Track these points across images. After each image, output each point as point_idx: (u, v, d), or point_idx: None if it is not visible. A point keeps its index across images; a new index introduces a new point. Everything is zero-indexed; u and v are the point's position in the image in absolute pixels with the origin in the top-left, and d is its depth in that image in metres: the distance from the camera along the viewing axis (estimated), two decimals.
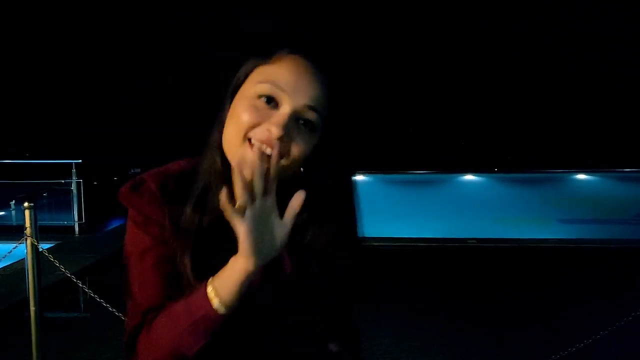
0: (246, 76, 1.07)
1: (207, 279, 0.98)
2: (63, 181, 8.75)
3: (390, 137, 20.66)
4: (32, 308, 3.52)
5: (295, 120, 1.01)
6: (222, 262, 0.98)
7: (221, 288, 0.96)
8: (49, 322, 3.97)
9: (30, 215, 3.52)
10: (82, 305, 5.48)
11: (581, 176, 15.54)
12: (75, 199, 8.61)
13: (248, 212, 0.93)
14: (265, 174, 0.93)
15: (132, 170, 17.01)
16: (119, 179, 15.79)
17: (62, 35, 19.21)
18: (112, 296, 4.02)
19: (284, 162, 1.00)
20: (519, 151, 19.44)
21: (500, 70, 21.11)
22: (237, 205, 0.93)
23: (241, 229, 0.93)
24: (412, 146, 19.68)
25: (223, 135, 1.06)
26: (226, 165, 1.07)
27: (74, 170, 8.64)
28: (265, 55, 1.07)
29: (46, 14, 19.10)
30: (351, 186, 1.21)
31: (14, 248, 3.77)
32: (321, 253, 1.12)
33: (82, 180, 8.73)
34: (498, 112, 20.85)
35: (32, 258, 3.49)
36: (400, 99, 21.46)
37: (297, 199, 0.96)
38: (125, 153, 18.46)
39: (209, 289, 0.97)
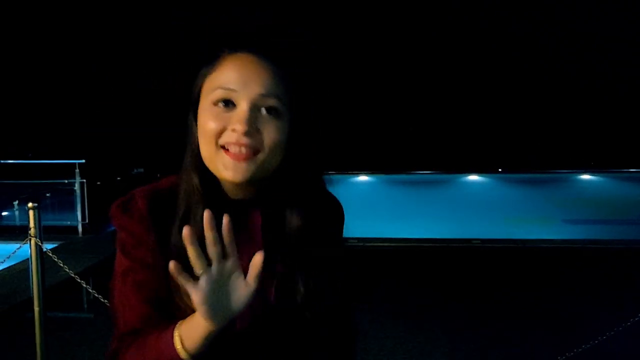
0: (200, 90, 1.09)
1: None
2: (66, 181, 8.75)
3: (392, 138, 20.65)
4: (36, 308, 3.52)
5: (258, 112, 1.03)
6: None
7: (185, 338, 0.97)
8: (52, 322, 3.97)
9: (35, 216, 3.52)
10: (85, 306, 5.48)
11: (585, 176, 15.51)
12: (78, 199, 8.61)
13: (202, 280, 0.92)
14: (223, 237, 0.92)
15: (135, 170, 17.07)
16: (122, 178, 15.84)
17: (63, 34, 19.24)
18: None
19: (261, 156, 1.02)
20: (523, 151, 19.42)
21: (503, 69, 21.07)
22: (196, 272, 0.92)
23: (195, 296, 0.91)
24: (415, 146, 19.67)
25: (201, 152, 1.06)
26: (205, 181, 1.07)
27: (77, 171, 8.64)
28: (209, 63, 1.09)
29: (47, 13, 19.14)
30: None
31: (18, 248, 3.77)
32: (318, 257, 1.12)
33: (85, 180, 8.73)
34: (502, 112, 20.82)
35: (37, 258, 3.49)
36: (402, 99, 21.45)
37: (258, 259, 0.95)
38: (127, 153, 18.50)
39: (175, 335, 0.98)
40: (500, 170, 16.79)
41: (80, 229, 8.54)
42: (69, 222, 8.62)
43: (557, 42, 20.85)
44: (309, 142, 1.12)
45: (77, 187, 8.63)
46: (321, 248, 1.13)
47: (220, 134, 1.02)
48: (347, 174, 16.25)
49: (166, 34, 20.54)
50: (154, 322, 1.03)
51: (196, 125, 1.08)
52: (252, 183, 1.05)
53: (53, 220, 8.63)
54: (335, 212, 1.24)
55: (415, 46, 21.45)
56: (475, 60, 21.05)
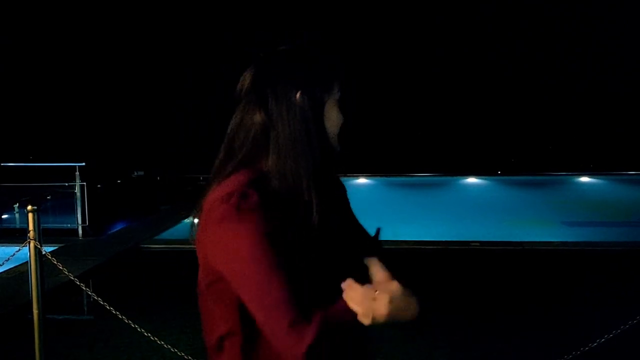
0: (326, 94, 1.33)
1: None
2: (67, 184, 8.75)
3: (394, 140, 20.64)
4: (35, 311, 3.52)
5: None
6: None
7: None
8: (52, 325, 3.97)
9: (34, 219, 3.53)
10: (85, 309, 5.47)
11: (585, 179, 15.53)
12: (78, 202, 8.60)
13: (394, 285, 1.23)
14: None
15: (136, 173, 17.07)
16: (122, 181, 15.84)
17: (63, 37, 19.23)
18: (115, 299, 4.02)
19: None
20: (522, 154, 19.42)
21: (503, 72, 21.08)
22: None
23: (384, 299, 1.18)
24: (415, 149, 19.67)
25: (329, 135, 1.33)
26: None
27: (77, 173, 8.63)
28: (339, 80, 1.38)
29: (47, 16, 19.13)
30: None
31: (17, 251, 3.77)
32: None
33: (85, 183, 8.72)
34: (501, 116, 20.83)
35: (36, 261, 3.49)
36: (403, 102, 21.45)
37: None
38: (127, 155, 18.50)
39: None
40: (499, 172, 16.81)
41: (80, 231, 8.53)
42: (68, 225, 8.61)
43: (555, 45, 20.85)
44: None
45: (77, 189, 8.62)
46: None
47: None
48: (346, 176, 16.24)
49: (166, 36, 20.55)
50: (303, 296, 1.17)
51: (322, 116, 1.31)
52: None
53: (53, 223, 8.63)
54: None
55: (419, 50, 21.45)
56: (477, 62, 21.05)
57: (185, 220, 9.61)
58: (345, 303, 1.17)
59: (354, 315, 1.17)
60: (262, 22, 20.17)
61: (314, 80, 1.29)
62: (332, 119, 1.32)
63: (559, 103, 20.54)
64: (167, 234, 8.30)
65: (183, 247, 7.07)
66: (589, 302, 5.24)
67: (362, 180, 16.24)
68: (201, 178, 16.77)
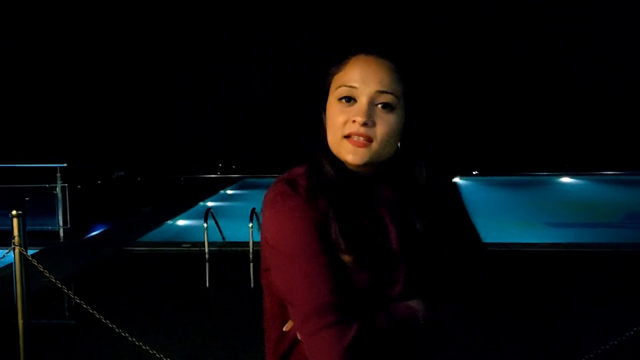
0: (328, 88, 1.30)
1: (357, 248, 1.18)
2: (47, 185, 8.56)
3: None
4: (20, 320, 3.42)
5: (374, 107, 1.22)
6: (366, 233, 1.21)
7: None
8: (35, 329, 3.87)
9: (19, 224, 3.41)
10: (69, 313, 5.35)
11: (567, 179, 15.67)
12: (60, 204, 8.42)
13: None
14: None
15: (116, 174, 16.85)
16: (102, 182, 15.62)
17: (38, 40, 18.94)
18: (100, 303, 3.92)
19: (374, 145, 1.21)
20: (504, 154, 19.55)
21: (482, 72, 21.21)
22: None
23: None
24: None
25: (328, 141, 1.27)
26: (335, 164, 1.27)
27: (58, 175, 8.45)
28: (336, 66, 1.29)
29: (32, 12, 18.82)
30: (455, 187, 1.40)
31: (1, 257, 3.64)
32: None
33: (67, 185, 8.55)
34: (481, 116, 20.95)
35: (21, 267, 3.38)
36: None
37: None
38: (108, 156, 18.26)
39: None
40: (475, 173, 16.85)
41: (61, 233, 8.35)
42: (49, 227, 8.42)
43: (529, 46, 21.04)
44: (420, 133, 1.31)
45: (58, 191, 8.44)
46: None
47: (344, 125, 1.23)
48: None
49: (164, 32, 20.38)
50: (345, 293, 1.15)
51: (325, 116, 1.30)
52: (371, 164, 1.25)
53: (33, 225, 8.44)
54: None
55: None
56: (456, 64, 21.15)
57: (169, 221, 9.50)
58: (404, 308, 1.19)
59: (407, 319, 1.18)
60: (262, 22, 20.08)
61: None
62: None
63: (539, 104, 20.70)
64: (150, 236, 8.18)
65: (167, 250, 6.97)
66: (580, 303, 5.24)
67: None
68: (182, 178, 16.66)
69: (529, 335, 4.49)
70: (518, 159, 18.56)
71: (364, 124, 1.20)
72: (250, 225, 6.17)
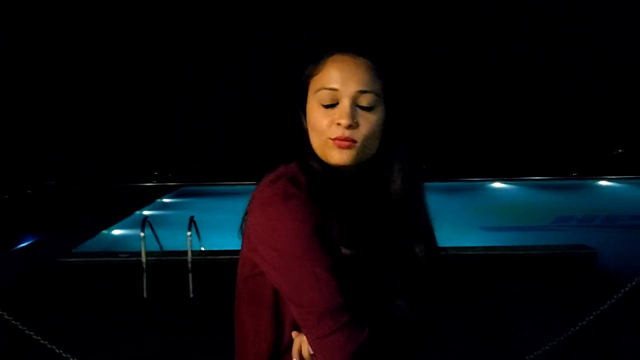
0: (307, 90, 1.29)
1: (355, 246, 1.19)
2: None
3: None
4: None
5: (356, 107, 1.23)
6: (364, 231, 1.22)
7: None
8: None
9: None
10: None
11: (499, 184, 16.14)
12: None
13: None
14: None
15: (48, 183, 16.28)
16: (32, 191, 15.06)
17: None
18: (33, 320, 3.79)
19: (359, 145, 1.22)
20: (435, 160, 19.94)
21: (418, 76, 21.60)
22: None
23: None
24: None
25: (311, 143, 1.28)
26: (322, 164, 1.27)
27: None
28: (313, 67, 1.28)
29: None
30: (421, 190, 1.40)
31: None
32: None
33: None
34: (412, 122, 21.27)
35: None
36: None
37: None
38: (37, 165, 17.63)
39: None
40: None
41: None
42: None
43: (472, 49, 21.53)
44: (401, 129, 1.33)
45: None
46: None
47: (328, 127, 1.23)
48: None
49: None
50: (353, 292, 1.14)
51: (305, 119, 1.30)
52: (356, 164, 1.25)
53: None
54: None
55: None
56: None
57: (104, 231, 9.26)
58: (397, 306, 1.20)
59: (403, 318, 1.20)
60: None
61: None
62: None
63: (470, 109, 21.17)
64: (85, 247, 7.95)
65: (103, 260, 6.79)
66: (517, 304, 5.42)
67: None
68: (117, 187, 16.26)
69: (469, 335, 4.61)
70: (450, 164, 18.97)
71: (349, 127, 1.21)
72: (189, 233, 6.09)
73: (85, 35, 19.38)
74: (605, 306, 3.27)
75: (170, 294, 5.94)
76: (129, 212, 11.07)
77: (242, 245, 1.30)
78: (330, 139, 1.23)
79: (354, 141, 1.22)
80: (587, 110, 21.42)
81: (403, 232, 1.30)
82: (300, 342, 1.19)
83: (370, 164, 1.30)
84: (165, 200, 14.03)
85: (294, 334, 1.22)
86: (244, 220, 1.31)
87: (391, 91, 1.28)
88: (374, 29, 18.61)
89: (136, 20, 19.66)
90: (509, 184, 16.19)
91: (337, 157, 1.22)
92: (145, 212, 11.11)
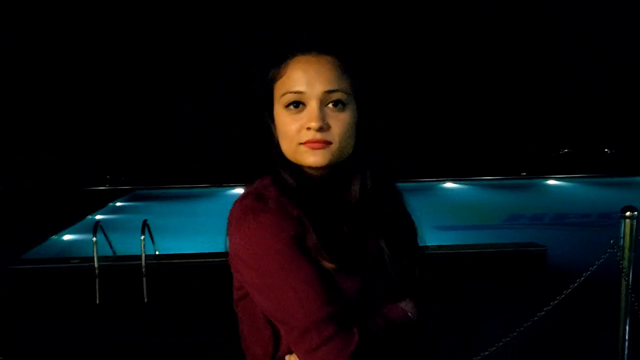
0: (272, 96, 1.23)
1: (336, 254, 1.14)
2: None
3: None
4: None
5: (325, 107, 1.17)
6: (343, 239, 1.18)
7: None
8: None
9: None
10: None
11: (450, 184, 16.40)
12: None
13: None
14: None
15: None
16: None
17: None
18: None
19: (333, 146, 1.17)
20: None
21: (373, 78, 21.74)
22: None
23: None
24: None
25: (283, 150, 1.22)
26: (294, 172, 1.22)
27: None
28: (275, 71, 1.22)
29: None
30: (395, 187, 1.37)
31: None
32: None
33: None
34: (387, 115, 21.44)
35: None
36: None
37: None
38: None
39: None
40: None
41: None
42: None
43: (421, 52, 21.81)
44: (375, 124, 1.28)
45: None
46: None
47: (298, 132, 1.17)
48: (222, 187, 16.04)
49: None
50: (338, 301, 1.11)
51: (274, 125, 1.24)
52: (331, 165, 1.20)
53: None
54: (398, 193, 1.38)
55: None
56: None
57: (54, 236, 9.03)
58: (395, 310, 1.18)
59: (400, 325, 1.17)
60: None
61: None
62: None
63: (423, 111, 21.46)
64: (34, 253, 7.73)
65: (53, 266, 6.61)
66: (473, 302, 5.52)
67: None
68: (70, 190, 15.86)
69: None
70: (402, 165, 19.17)
71: (320, 129, 1.15)
72: (142, 237, 6.00)
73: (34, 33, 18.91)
74: (556, 302, 3.37)
75: (124, 299, 5.83)
76: (80, 216, 10.82)
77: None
78: (300, 144, 1.17)
79: (329, 143, 1.16)
80: (535, 112, 21.97)
81: (378, 233, 1.25)
82: None
83: (344, 165, 1.24)
84: (118, 204, 13.77)
85: (287, 356, 1.18)
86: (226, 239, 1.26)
87: (362, 87, 1.23)
88: (336, 25, 18.61)
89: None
90: (461, 184, 16.47)
91: (312, 159, 1.17)
92: (98, 217, 10.88)
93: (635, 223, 3.38)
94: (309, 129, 1.16)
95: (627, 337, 3.44)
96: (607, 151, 22.29)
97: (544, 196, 15.06)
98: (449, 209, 12.67)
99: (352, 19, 19.55)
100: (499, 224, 10.87)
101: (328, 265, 1.13)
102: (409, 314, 1.21)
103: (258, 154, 1.29)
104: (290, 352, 1.16)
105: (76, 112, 20.32)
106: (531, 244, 7.10)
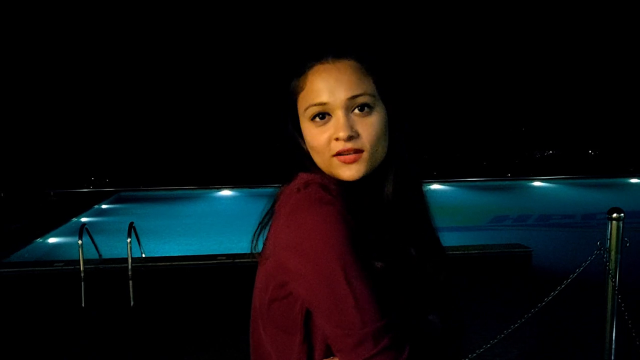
0: (296, 108, 1.19)
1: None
2: None
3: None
4: None
5: (351, 114, 1.13)
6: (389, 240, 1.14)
7: None
8: None
9: None
10: None
11: (436, 186, 16.47)
12: None
13: None
14: None
15: None
16: None
17: None
18: None
19: (366, 154, 1.13)
20: None
21: None
22: None
23: None
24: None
25: (316, 163, 1.18)
26: (332, 179, 1.16)
27: None
28: (296, 84, 1.18)
29: None
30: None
31: None
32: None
33: None
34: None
35: None
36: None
37: None
38: None
39: None
40: None
41: None
42: None
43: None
44: (406, 126, 1.23)
45: None
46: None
47: (328, 144, 1.13)
48: (208, 188, 15.99)
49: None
50: (390, 314, 1.06)
51: (300, 137, 1.20)
52: (369, 173, 1.15)
53: None
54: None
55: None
56: None
57: (39, 239, 8.95)
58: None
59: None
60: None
61: None
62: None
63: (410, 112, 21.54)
64: (17, 256, 7.66)
65: (37, 270, 6.55)
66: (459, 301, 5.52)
67: (224, 193, 16.05)
68: (52, 193, 15.73)
69: None
70: None
71: (349, 138, 1.10)
72: (129, 240, 5.96)
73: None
74: (544, 303, 3.39)
75: (110, 302, 5.79)
76: (65, 219, 10.73)
77: (260, 267, 1.19)
78: (332, 156, 1.12)
79: (361, 150, 1.12)
80: (520, 114, 22.13)
81: (408, 239, 1.20)
82: None
83: (379, 169, 1.18)
84: (103, 206, 13.68)
85: None
86: (255, 238, 1.20)
87: (387, 86, 1.18)
88: (350, 27, 18.53)
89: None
90: (447, 185, 16.55)
91: (347, 173, 1.12)
92: (83, 219, 10.80)
93: (621, 224, 3.40)
94: (337, 139, 1.11)
95: (613, 339, 3.47)
96: (591, 153, 22.52)
97: (529, 197, 15.18)
98: (435, 210, 12.66)
99: (365, 16, 19.51)
100: (484, 225, 10.93)
101: (381, 266, 1.09)
102: (438, 327, 1.18)
103: (280, 165, 1.24)
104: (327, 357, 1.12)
105: (61, 114, 20.14)
106: (516, 245, 7.16)
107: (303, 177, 1.16)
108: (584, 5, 21.54)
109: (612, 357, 3.48)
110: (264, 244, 1.18)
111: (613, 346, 3.47)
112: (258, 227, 1.21)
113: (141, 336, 4.92)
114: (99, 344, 4.75)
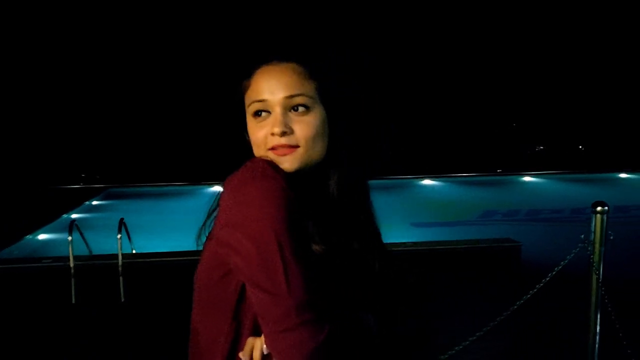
0: (242, 105, 1.28)
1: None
2: None
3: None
4: None
5: (288, 113, 1.22)
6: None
7: None
8: None
9: None
10: None
11: (428, 182, 16.52)
12: None
13: None
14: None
15: None
16: None
17: None
18: None
19: (301, 150, 1.21)
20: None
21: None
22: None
23: None
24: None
25: (255, 154, 1.26)
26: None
27: None
28: (244, 85, 1.27)
29: None
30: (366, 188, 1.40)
31: None
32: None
33: None
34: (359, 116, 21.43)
35: None
36: None
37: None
38: None
39: None
40: None
41: None
42: None
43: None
44: (347, 130, 1.30)
45: None
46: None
47: (265, 139, 1.23)
48: (199, 184, 15.97)
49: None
50: (317, 293, 1.10)
51: (247, 135, 1.29)
52: (302, 170, 1.22)
53: None
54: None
55: None
56: None
57: (28, 236, 8.92)
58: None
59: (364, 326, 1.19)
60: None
61: None
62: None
63: (397, 109, 21.53)
64: (5, 253, 7.64)
65: (25, 266, 6.54)
66: (446, 297, 5.58)
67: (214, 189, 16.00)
68: (43, 187, 15.63)
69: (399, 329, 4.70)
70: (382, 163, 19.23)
71: (283, 134, 1.19)
72: (119, 236, 5.97)
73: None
74: (528, 296, 3.43)
75: (100, 298, 5.79)
76: (55, 215, 10.70)
77: (205, 248, 1.26)
78: (268, 149, 1.21)
79: (296, 146, 1.20)
80: (510, 109, 22.20)
81: (351, 234, 1.28)
82: (253, 344, 1.14)
83: (321, 166, 1.26)
84: (93, 202, 13.64)
85: (249, 339, 1.17)
86: (199, 235, 1.28)
87: (327, 90, 1.25)
88: (299, 31, 18.59)
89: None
90: (438, 181, 16.60)
91: (283, 165, 1.19)
92: (73, 215, 10.77)
93: (605, 218, 3.44)
94: (273, 134, 1.20)
95: (597, 331, 3.52)
96: (580, 148, 22.64)
97: (518, 192, 15.24)
98: (425, 205, 12.77)
99: (321, 21, 19.53)
100: (474, 220, 10.99)
101: (318, 250, 1.17)
102: (372, 325, 1.23)
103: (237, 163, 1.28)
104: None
105: (50, 110, 20.03)
106: (506, 239, 7.21)
107: (251, 160, 1.23)
108: (570, 2, 21.64)
109: (596, 348, 3.53)
110: (212, 227, 1.25)
111: (597, 338, 3.52)
112: (204, 222, 1.29)
113: (132, 332, 4.94)
114: (89, 340, 4.76)
